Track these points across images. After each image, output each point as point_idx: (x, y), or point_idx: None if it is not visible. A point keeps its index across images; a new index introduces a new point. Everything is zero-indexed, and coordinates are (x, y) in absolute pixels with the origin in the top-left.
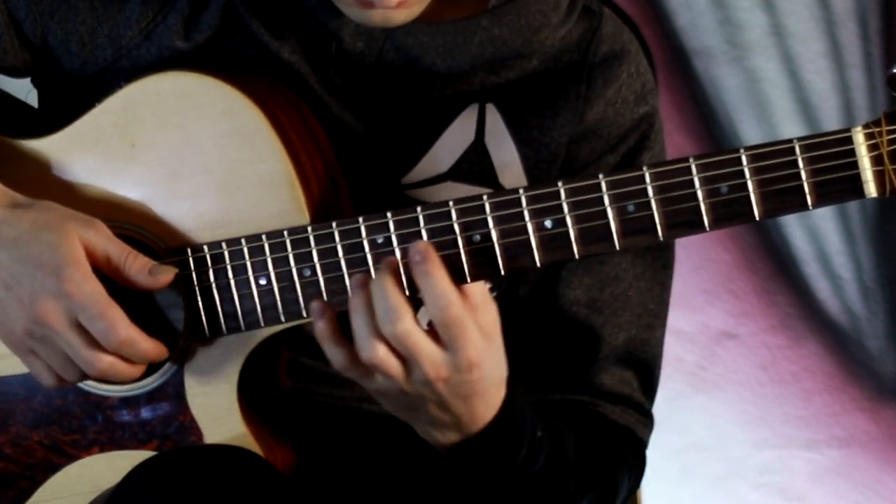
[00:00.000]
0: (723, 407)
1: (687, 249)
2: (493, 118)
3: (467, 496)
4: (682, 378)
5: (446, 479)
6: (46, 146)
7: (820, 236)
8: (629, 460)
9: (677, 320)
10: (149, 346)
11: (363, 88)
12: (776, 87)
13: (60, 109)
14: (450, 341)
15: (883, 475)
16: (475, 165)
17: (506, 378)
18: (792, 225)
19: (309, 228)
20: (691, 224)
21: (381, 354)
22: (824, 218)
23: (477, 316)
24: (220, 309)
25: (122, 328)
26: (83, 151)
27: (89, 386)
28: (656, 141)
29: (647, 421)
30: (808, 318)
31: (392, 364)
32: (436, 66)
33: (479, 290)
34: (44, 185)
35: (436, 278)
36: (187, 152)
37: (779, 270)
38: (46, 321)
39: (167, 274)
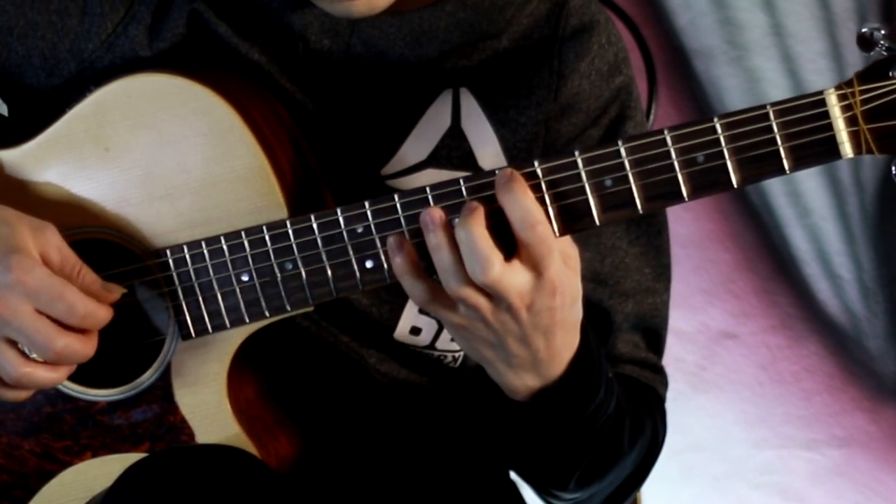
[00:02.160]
0: (723, 407)
1: (687, 249)
2: (468, 102)
3: (528, 449)
4: (682, 378)
5: (444, 470)
6: (19, 155)
7: (820, 236)
8: (661, 413)
9: (677, 320)
10: (106, 313)
11: (335, 84)
12: (776, 87)
13: (31, 119)
14: (536, 261)
15: (883, 475)
16: (454, 150)
17: (581, 320)
18: (792, 225)
19: (288, 222)
20: (670, 195)
21: (469, 295)
22: (824, 218)
23: (561, 244)
24: (203, 308)
25: (82, 302)
26: (57, 158)
27: (78, 391)
28: (637, 109)
29: (664, 378)
30: (808, 318)
31: (480, 301)
32: (404, 57)
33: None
34: (18, 193)
35: (523, 196)
36: (161, 153)
37: (779, 270)
38: (1, 314)
39: (114, 293)
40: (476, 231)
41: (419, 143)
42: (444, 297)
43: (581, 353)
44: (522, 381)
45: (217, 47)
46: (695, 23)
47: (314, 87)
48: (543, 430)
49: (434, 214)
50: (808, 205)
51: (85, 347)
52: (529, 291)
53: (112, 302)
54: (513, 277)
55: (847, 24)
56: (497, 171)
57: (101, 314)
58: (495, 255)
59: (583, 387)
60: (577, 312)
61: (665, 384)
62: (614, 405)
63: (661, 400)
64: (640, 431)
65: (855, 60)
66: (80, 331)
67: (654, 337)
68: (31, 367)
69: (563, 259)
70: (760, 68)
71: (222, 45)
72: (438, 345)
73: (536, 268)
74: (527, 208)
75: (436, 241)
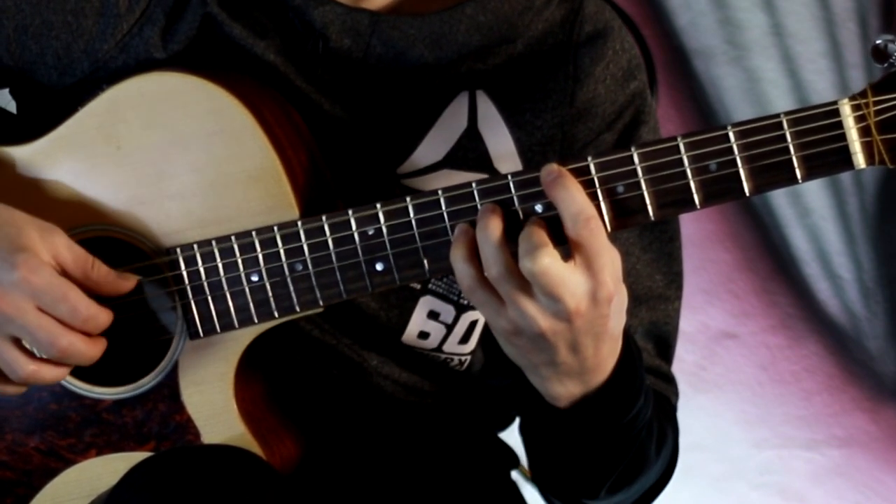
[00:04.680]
0: (723, 407)
1: (687, 249)
2: (485, 104)
3: (568, 455)
4: (682, 378)
5: (445, 472)
6: (31, 152)
7: (820, 236)
8: (675, 425)
9: None
10: (107, 317)
11: (352, 83)
12: (776, 87)
13: (42, 117)
14: (590, 260)
15: (883, 475)
16: (470, 152)
17: (623, 328)
18: (792, 225)
19: (299, 223)
20: (682, 203)
21: (514, 295)
22: (824, 218)
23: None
24: (212, 307)
25: (84, 306)
26: (68, 155)
27: (84, 389)
28: (651, 115)
29: (675, 389)
30: (808, 318)
31: (527, 303)
32: (423, 58)
33: None
34: (29, 190)
35: (577, 191)
36: (174, 152)
37: (779, 270)
38: (5, 311)
39: (130, 280)
40: (531, 223)
41: (435, 143)
42: (492, 292)
43: (624, 359)
44: (566, 389)
45: (231, 50)
46: (695, 23)
47: (331, 86)
48: (582, 437)
49: (490, 206)
50: (808, 205)
51: (90, 349)
52: (585, 295)
53: (128, 290)
54: (564, 269)
55: (847, 24)
56: (543, 169)
57: (103, 318)
58: (547, 245)
59: (624, 394)
60: (623, 319)
61: (677, 395)
62: (651, 412)
63: (674, 410)
64: (664, 440)
65: (855, 60)
66: (86, 333)
67: (664, 345)
68: (36, 365)
69: (615, 266)
70: (760, 68)
71: (236, 47)
72: (445, 348)
73: (591, 268)
74: (582, 203)
75: (487, 232)
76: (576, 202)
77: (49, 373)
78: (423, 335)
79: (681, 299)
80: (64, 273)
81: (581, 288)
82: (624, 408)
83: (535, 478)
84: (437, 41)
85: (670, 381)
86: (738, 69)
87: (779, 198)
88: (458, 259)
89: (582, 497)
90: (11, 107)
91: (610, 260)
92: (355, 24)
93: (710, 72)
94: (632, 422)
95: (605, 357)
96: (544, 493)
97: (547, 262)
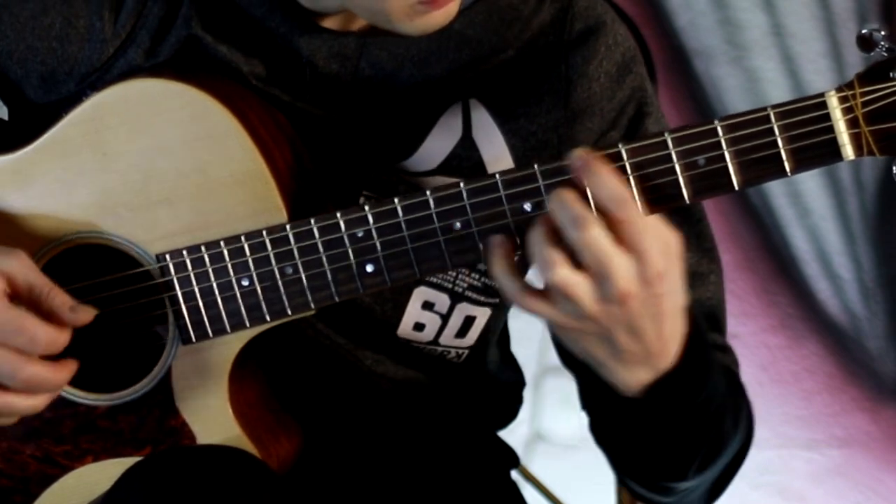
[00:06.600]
0: None
1: None
2: (478, 112)
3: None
4: None
5: (444, 470)
6: (16, 161)
7: (820, 236)
8: (743, 391)
9: None
10: (67, 337)
11: (342, 105)
12: (776, 87)
13: (28, 125)
14: (633, 241)
15: (883, 475)
16: (464, 161)
17: (685, 306)
18: (792, 225)
19: (288, 227)
20: (671, 198)
21: (564, 272)
22: (824, 218)
23: (657, 229)
24: (204, 312)
25: (42, 333)
26: (54, 164)
27: (78, 396)
28: (654, 105)
29: (734, 357)
30: (808, 318)
31: (577, 282)
32: (413, 77)
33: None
34: (14, 200)
35: (608, 176)
36: (159, 158)
37: (779, 270)
38: None
39: (87, 314)
40: (569, 195)
41: (430, 154)
42: (538, 292)
43: (692, 340)
44: (635, 377)
45: (215, 68)
46: (695, 23)
47: (321, 105)
48: (660, 421)
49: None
50: (808, 205)
51: (56, 375)
52: (635, 276)
53: (84, 324)
54: (613, 246)
55: (847, 24)
56: (570, 156)
57: (62, 339)
58: (592, 216)
59: (696, 372)
60: (680, 297)
61: (736, 363)
62: (724, 387)
63: (738, 377)
64: (739, 411)
65: (855, 60)
66: (52, 358)
67: (713, 319)
68: (9, 396)
69: (662, 244)
70: (760, 68)
71: (221, 66)
72: (442, 340)
73: (636, 248)
74: (614, 186)
75: (535, 231)
76: (608, 186)
77: (24, 403)
78: (419, 327)
79: (718, 272)
80: (19, 296)
81: (631, 270)
82: (698, 386)
83: (617, 471)
84: (426, 59)
85: (727, 350)
86: (738, 69)
87: (779, 198)
88: (500, 275)
89: (671, 482)
90: (3, 112)
91: (655, 237)
92: (342, 48)
93: (710, 72)
94: (707, 400)
95: (668, 339)
96: (627, 482)
97: (596, 232)
